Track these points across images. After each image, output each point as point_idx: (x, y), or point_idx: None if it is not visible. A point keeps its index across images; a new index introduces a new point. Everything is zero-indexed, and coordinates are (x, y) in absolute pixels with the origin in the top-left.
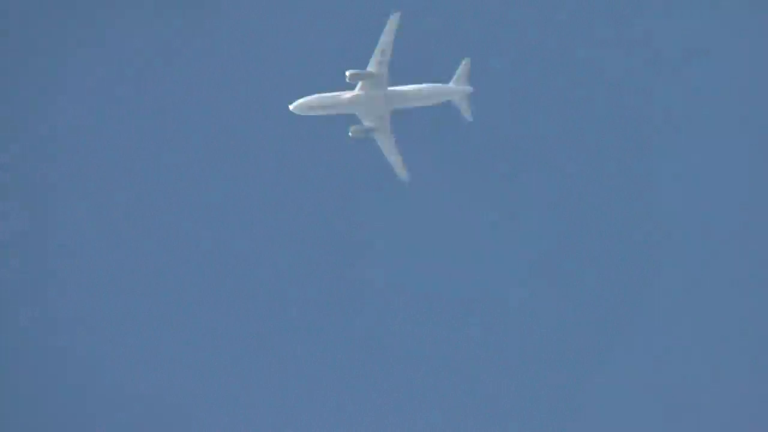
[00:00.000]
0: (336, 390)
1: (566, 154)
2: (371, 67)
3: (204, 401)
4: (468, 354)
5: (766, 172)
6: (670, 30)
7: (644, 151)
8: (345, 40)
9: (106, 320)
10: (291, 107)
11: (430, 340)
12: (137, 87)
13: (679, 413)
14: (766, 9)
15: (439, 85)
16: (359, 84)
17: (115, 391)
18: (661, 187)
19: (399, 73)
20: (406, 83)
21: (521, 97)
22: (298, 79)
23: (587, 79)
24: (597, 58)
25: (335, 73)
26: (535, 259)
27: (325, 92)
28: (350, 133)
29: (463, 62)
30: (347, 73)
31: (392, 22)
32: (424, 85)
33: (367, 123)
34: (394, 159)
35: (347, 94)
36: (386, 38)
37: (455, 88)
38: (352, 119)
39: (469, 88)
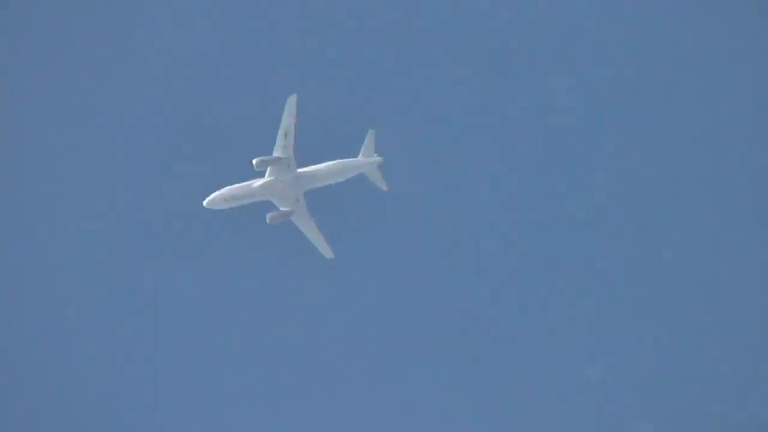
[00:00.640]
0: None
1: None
2: (277, 152)
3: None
4: None
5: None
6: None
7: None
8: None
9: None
10: (204, 203)
11: None
12: None
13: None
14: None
15: (348, 159)
16: (268, 170)
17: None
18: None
19: (307, 152)
20: (315, 162)
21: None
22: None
23: (488, 138)
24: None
25: (243, 163)
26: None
27: (236, 183)
28: (267, 220)
29: (369, 134)
30: (253, 161)
31: (290, 104)
32: (333, 162)
33: (282, 208)
34: (316, 239)
35: (258, 182)
36: (287, 121)
37: (364, 160)
38: (269, 206)
39: (379, 159)
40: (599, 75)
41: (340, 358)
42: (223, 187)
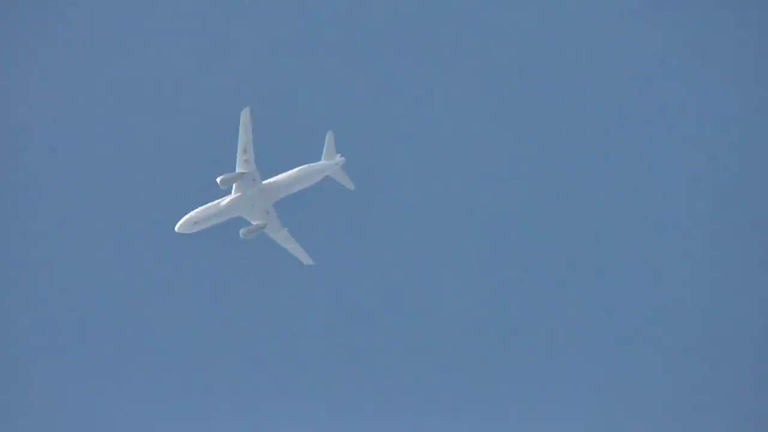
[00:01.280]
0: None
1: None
2: (239, 168)
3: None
4: None
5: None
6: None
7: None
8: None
9: None
10: (176, 229)
11: None
12: None
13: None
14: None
15: (312, 164)
16: (234, 186)
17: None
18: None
19: (269, 163)
20: (279, 171)
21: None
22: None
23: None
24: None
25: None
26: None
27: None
28: (241, 235)
29: (328, 136)
30: (218, 180)
31: (245, 118)
32: (297, 169)
33: (254, 222)
34: (293, 248)
35: (225, 200)
36: (244, 135)
37: (327, 162)
38: (241, 222)
39: (341, 159)
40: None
41: (329, 357)
42: (191, 210)
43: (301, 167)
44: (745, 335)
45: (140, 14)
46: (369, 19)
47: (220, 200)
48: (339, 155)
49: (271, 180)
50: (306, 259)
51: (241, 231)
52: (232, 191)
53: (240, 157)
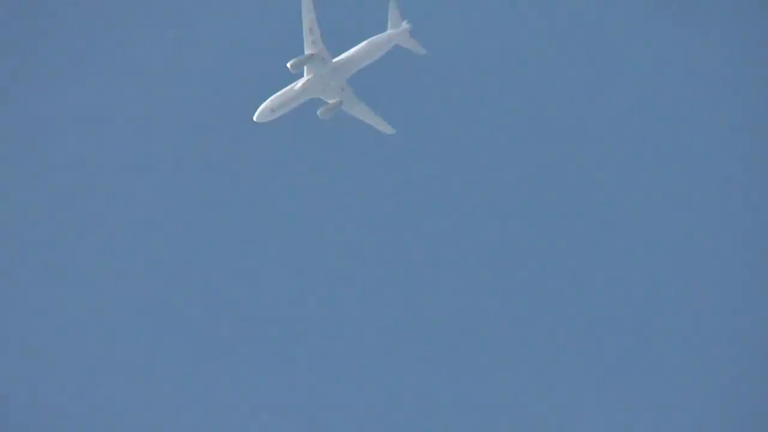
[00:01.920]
0: None
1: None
2: (308, 49)
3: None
4: None
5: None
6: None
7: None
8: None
9: None
10: (254, 118)
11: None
12: None
13: None
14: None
15: (378, 35)
16: (305, 69)
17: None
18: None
19: (337, 40)
20: (348, 47)
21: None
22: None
23: None
24: None
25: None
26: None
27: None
28: (319, 115)
29: (391, 4)
30: (288, 65)
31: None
32: (364, 42)
33: (331, 101)
34: (373, 120)
35: (299, 83)
36: (307, 16)
37: (394, 31)
38: (316, 104)
39: (407, 26)
40: None
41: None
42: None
43: (368, 40)
44: (746, 336)
45: None
46: None
47: (293, 84)
48: (405, 21)
49: (341, 57)
50: (386, 129)
51: (319, 111)
52: (304, 74)
53: (307, 39)
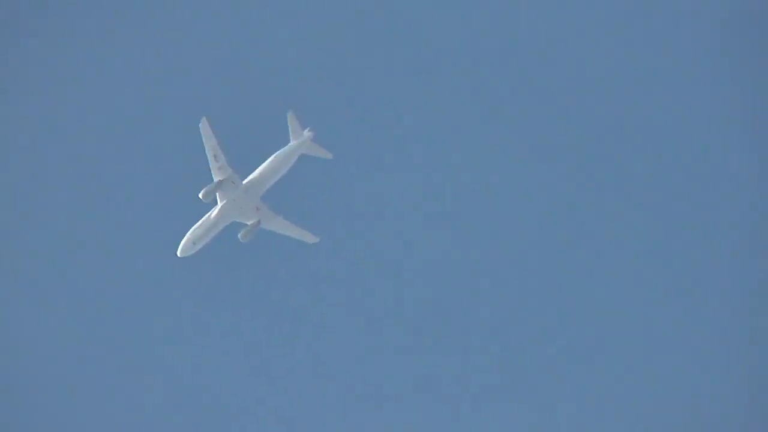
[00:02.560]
0: None
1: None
2: (216, 176)
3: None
4: None
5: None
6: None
7: None
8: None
9: None
10: (179, 254)
11: None
12: None
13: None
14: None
15: (283, 149)
16: (218, 196)
17: None
18: None
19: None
20: (255, 167)
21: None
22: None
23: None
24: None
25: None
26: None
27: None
28: (240, 239)
29: (289, 116)
30: (200, 195)
31: (205, 128)
32: (270, 158)
33: (249, 222)
34: (295, 232)
35: (214, 211)
36: (209, 142)
37: (296, 142)
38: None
39: (309, 134)
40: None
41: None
42: (184, 233)
43: (274, 155)
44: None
45: None
46: None
47: (209, 213)
48: (307, 130)
49: (251, 177)
50: (310, 238)
51: (240, 234)
52: (218, 200)
53: (213, 165)
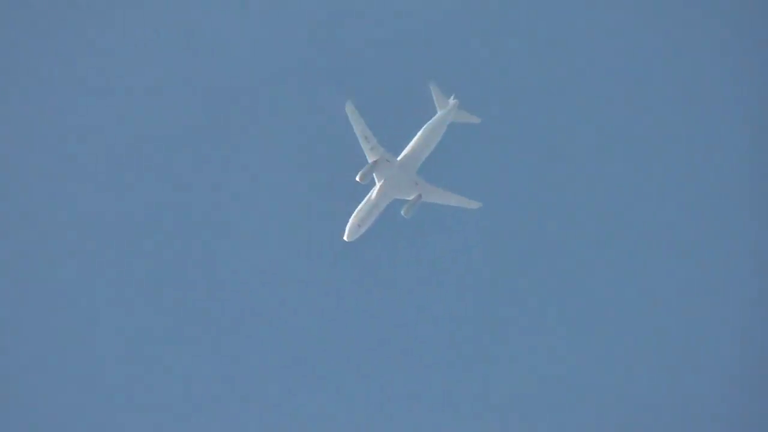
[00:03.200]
0: None
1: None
2: (370, 157)
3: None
4: None
5: None
6: None
7: None
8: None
9: None
10: (346, 239)
11: None
12: None
13: None
14: None
15: (431, 120)
16: (374, 176)
17: None
18: None
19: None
20: (407, 141)
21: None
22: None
23: None
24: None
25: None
26: None
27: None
28: (404, 214)
29: (432, 88)
30: (357, 178)
31: (350, 111)
32: (420, 131)
33: (409, 197)
34: (456, 201)
35: (374, 192)
36: (357, 126)
37: (444, 111)
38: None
39: (454, 101)
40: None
41: None
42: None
43: (423, 127)
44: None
45: None
46: None
47: (369, 194)
48: (451, 98)
49: (404, 153)
50: (472, 204)
51: (403, 210)
52: (375, 181)
53: (364, 147)
